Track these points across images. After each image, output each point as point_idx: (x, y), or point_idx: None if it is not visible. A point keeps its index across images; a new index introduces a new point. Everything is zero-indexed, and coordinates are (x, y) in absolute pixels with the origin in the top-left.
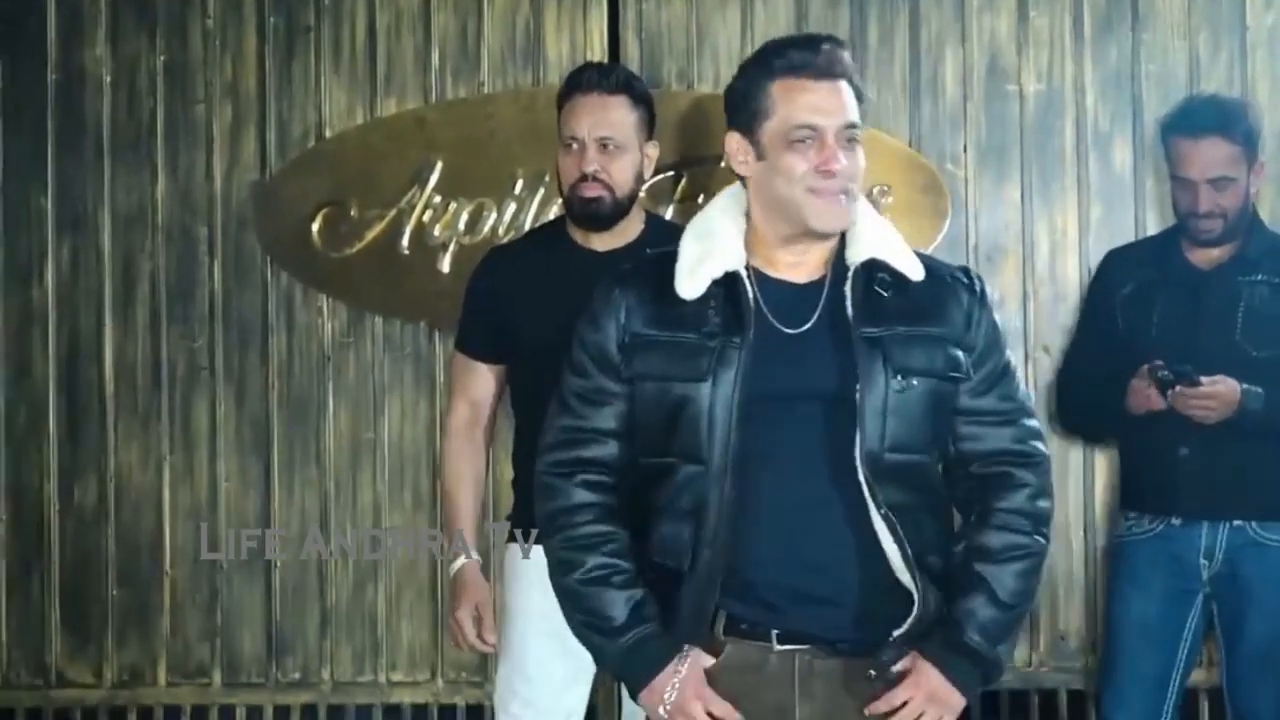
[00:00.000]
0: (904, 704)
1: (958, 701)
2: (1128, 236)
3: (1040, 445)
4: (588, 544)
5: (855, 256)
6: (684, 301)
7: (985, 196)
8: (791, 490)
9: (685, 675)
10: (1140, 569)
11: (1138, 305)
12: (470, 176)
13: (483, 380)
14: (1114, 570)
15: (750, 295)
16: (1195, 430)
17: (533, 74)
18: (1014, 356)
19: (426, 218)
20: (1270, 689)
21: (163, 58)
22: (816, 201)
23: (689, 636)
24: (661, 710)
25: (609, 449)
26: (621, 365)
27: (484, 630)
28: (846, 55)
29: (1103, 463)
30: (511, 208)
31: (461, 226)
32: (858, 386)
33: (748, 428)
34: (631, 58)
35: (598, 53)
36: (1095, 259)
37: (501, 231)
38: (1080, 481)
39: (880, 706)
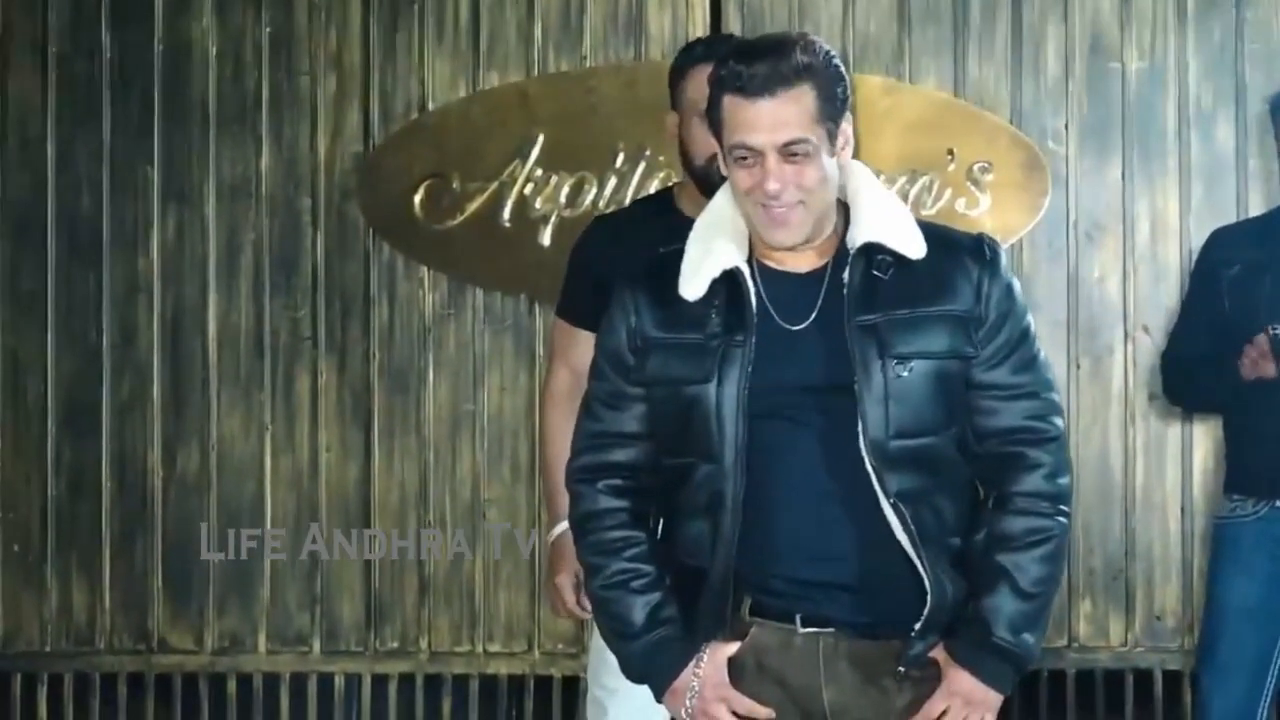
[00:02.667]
0: (943, 713)
1: (995, 700)
2: (1229, 216)
3: (1058, 420)
4: (610, 549)
5: (853, 241)
6: (689, 301)
7: (1086, 174)
8: (803, 484)
9: (705, 676)
10: (1243, 551)
11: (1245, 286)
12: (572, 150)
13: (584, 347)
14: (1216, 552)
15: (751, 293)
16: None
17: (634, 48)
18: (1034, 323)
19: (528, 191)
20: None
21: (268, 29)
22: (764, 216)
23: (711, 632)
24: (684, 713)
25: (633, 452)
26: (634, 369)
27: (583, 596)
28: (800, 58)
29: (1201, 444)
30: (612, 181)
31: (562, 200)
32: (855, 377)
33: (757, 424)
34: (733, 32)
35: (699, 27)
36: (1196, 238)
37: (602, 205)
38: (1178, 462)
39: None
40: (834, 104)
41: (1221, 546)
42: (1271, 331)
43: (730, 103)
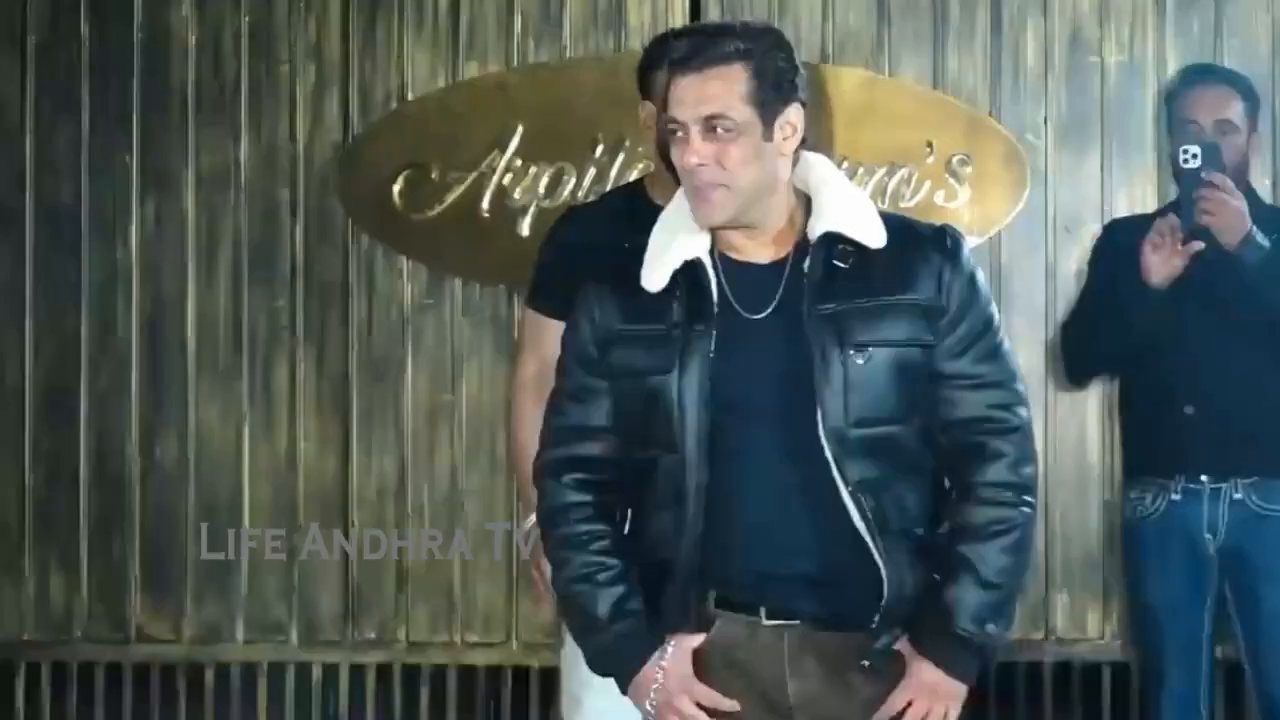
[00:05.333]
0: (907, 705)
1: (959, 691)
2: None
3: (1021, 411)
4: (576, 543)
5: (814, 231)
6: (652, 293)
7: (1065, 168)
8: (766, 475)
9: (670, 669)
10: (1151, 552)
11: (1138, 276)
12: (551, 141)
13: (554, 337)
14: (1128, 555)
15: (713, 283)
16: (1200, 388)
17: (614, 39)
18: (998, 314)
19: (507, 181)
20: None
21: (247, 19)
22: (693, 195)
23: (676, 625)
24: (648, 705)
25: (599, 446)
26: (597, 361)
27: None
28: (732, 43)
29: None
30: (591, 172)
31: (542, 190)
32: (814, 366)
33: (718, 415)
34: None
35: (679, 18)
36: None
37: (581, 195)
38: None
39: (883, 714)
40: (774, 90)
41: (1131, 549)
42: (1184, 153)
43: (668, 79)
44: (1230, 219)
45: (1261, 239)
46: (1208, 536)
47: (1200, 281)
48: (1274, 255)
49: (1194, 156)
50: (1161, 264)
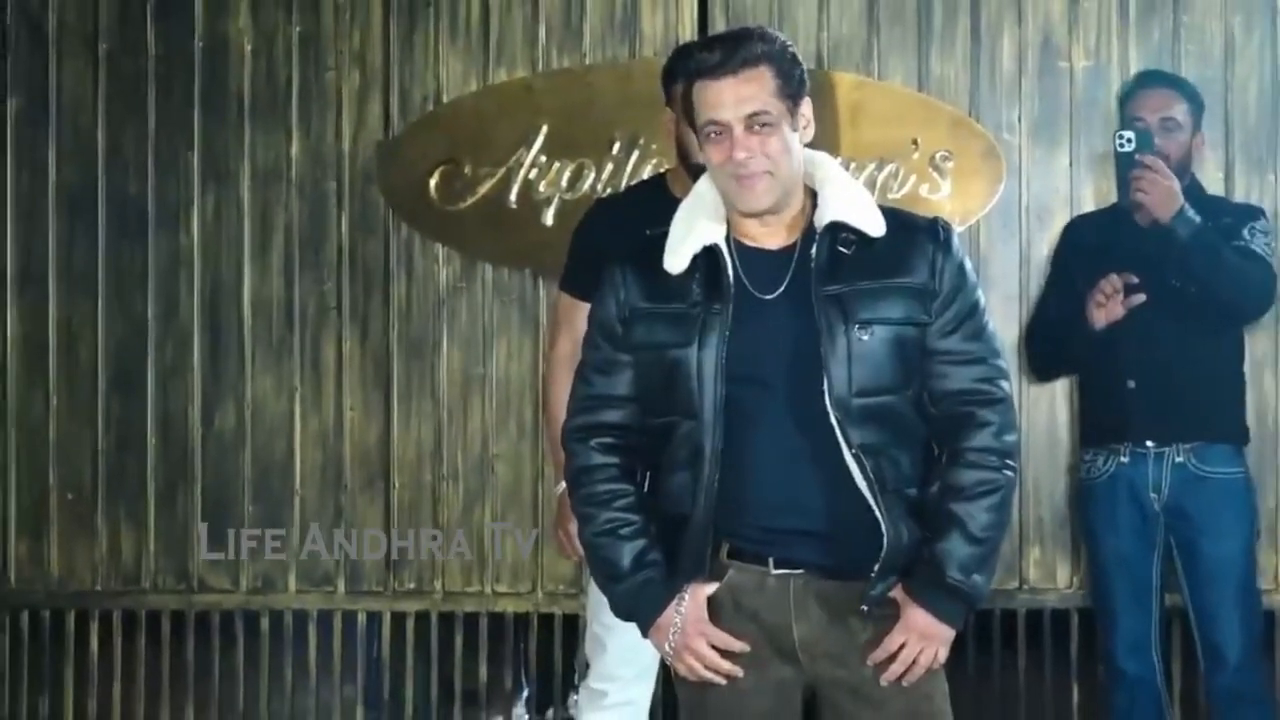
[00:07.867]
0: (901, 646)
1: (947, 634)
2: None
3: (1004, 384)
4: (601, 500)
5: (820, 221)
6: (673, 275)
7: (1037, 163)
8: (775, 439)
9: (686, 614)
10: (1103, 510)
11: (1096, 269)
12: (572, 139)
13: (585, 317)
14: (1083, 511)
15: (729, 266)
16: (1141, 362)
17: (629, 47)
18: (984, 298)
19: (533, 176)
20: (1233, 613)
21: (298, 29)
22: (736, 186)
23: (692, 574)
24: (667, 647)
25: (622, 413)
26: (622, 337)
27: None
28: (758, 46)
29: None
30: (609, 167)
31: (564, 184)
32: (821, 341)
33: (733, 385)
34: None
35: (689, 28)
36: None
37: (600, 189)
38: None
39: (879, 655)
40: (792, 85)
41: (1086, 506)
42: (1121, 137)
43: (699, 87)
44: (1161, 196)
45: (1192, 214)
46: (1153, 495)
47: (1142, 270)
48: (1204, 230)
49: (1128, 141)
50: (1103, 316)
